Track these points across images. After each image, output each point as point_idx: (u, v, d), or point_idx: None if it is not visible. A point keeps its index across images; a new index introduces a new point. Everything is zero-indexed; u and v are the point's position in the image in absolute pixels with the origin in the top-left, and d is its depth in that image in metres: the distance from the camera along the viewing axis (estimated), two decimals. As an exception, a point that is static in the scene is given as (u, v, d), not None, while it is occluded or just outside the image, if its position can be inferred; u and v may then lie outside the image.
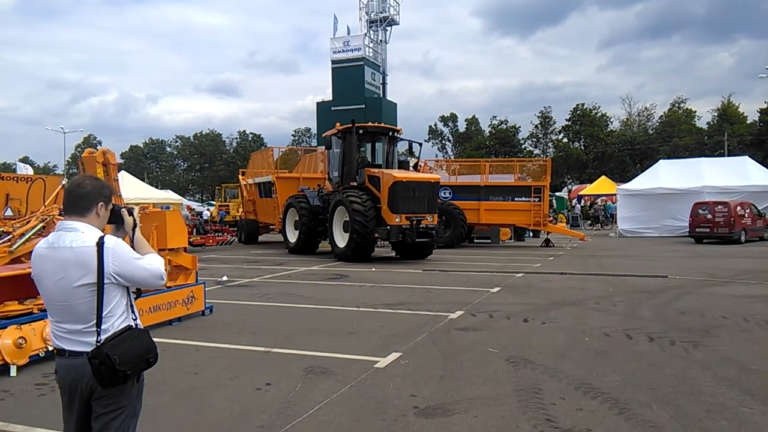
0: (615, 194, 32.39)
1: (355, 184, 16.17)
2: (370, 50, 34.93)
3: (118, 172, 11.07)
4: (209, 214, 34.16)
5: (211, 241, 21.95)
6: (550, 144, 73.39)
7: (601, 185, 42.02)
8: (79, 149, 71.24)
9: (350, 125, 16.29)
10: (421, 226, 15.33)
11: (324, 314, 8.53)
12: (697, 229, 23.67)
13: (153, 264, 2.60)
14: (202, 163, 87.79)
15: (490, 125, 74.38)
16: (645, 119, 73.59)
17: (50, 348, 5.49)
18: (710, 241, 23.15)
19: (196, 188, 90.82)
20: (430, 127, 79.08)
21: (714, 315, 8.03)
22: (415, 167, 17.64)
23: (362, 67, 33.21)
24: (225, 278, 12.05)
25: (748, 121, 63.86)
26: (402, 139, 17.67)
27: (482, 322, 7.72)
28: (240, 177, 27.44)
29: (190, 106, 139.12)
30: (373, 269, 14.12)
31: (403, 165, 17.21)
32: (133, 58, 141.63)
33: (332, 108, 33.24)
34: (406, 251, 16.59)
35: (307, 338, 6.92)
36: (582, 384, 5.01)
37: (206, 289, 8.52)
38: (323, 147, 19.10)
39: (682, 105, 70.14)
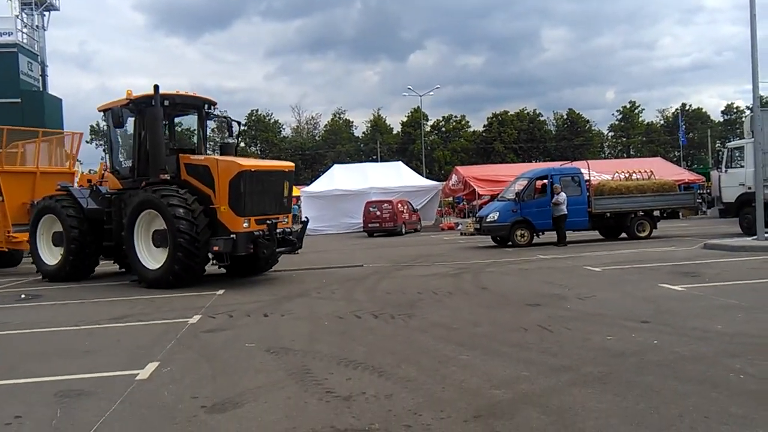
0: (298, 196, 34.97)
1: (166, 176, 11.75)
2: (25, 36, 30.11)
3: None
4: None
5: None
6: (228, 148, 74.25)
7: (282, 188, 44.63)
8: None
9: (152, 93, 11.73)
10: (277, 231, 11.71)
11: (40, 338, 7.48)
12: (370, 225, 27.45)
13: None
14: None
15: (164, 127, 70.97)
16: (312, 127, 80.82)
17: None
18: (380, 234, 27.07)
19: None
20: (92, 126, 70.00)
21: (412, 292, 9.80)
22: (236, 151, 13.49)
23: (16, 54, 28.43)
24: None
25: (393, 132, 76.00)
26: (218, 117, 13.95)
27: (225, 322, 7.89)
28: None
29: None
30: (64, 286, 12.52)
31: (227, 149, 13.16)
32: None
33: (-25, 100, 27.69)
34: (242, 266, 12.43)
35: (35, 364, 6.07)
36: (341, 359, 5.75)
37: None
38: None
39: (342, 115, 79.30)
